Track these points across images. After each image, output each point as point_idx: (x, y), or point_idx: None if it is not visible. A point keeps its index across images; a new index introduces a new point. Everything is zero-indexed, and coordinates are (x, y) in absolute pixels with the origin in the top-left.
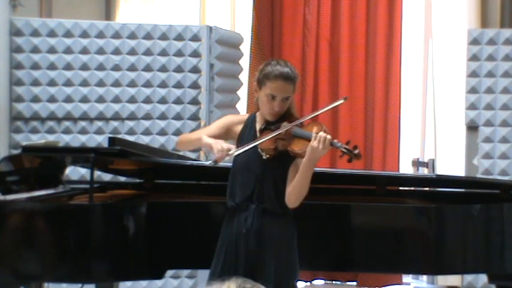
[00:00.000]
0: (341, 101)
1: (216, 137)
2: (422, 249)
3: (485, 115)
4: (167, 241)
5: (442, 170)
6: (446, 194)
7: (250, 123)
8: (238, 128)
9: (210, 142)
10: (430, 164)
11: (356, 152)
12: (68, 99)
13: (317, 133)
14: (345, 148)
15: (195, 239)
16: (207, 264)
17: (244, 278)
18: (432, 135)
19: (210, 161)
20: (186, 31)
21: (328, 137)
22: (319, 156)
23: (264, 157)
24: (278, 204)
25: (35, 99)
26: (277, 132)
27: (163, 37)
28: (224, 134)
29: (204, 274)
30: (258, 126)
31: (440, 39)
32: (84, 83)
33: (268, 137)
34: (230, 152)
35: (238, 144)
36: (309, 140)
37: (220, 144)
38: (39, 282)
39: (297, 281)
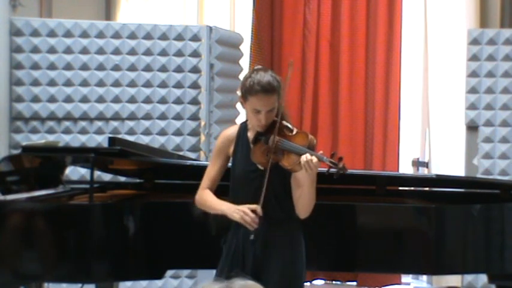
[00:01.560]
0: (290, 71)
1: (222, 169)
2: (422, 249)
3: (485, 115)
4: (167, 241)
5: (442, 170)
6: (446, 194)
7: (241, 135)
8: (231, 148)
9: (237, 217)
10: (429, 164)
11: (341, 165)
12: (68, 99)
13: (303, 145)
14: (330, 162)
15: (194, 239)
16: (207, 264)
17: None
18: (432, 135)
19: (252, 236)
20: (186, 31)
21: (314, 160)
22: (315, 173)
23: (261, 168)
24: (281, 212)
25: (35, 99)
26: (270, 160)
27: (163, 37)
28: (225, 160)
29: (204, 274)
30: (250, 135)
31: (440, 40)
32: (84, 83)
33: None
34: (258, 212)
35: (233, 162)
36: (297, 154)
37: (247, 216)
38: (39, 282)
39: (303, 283)
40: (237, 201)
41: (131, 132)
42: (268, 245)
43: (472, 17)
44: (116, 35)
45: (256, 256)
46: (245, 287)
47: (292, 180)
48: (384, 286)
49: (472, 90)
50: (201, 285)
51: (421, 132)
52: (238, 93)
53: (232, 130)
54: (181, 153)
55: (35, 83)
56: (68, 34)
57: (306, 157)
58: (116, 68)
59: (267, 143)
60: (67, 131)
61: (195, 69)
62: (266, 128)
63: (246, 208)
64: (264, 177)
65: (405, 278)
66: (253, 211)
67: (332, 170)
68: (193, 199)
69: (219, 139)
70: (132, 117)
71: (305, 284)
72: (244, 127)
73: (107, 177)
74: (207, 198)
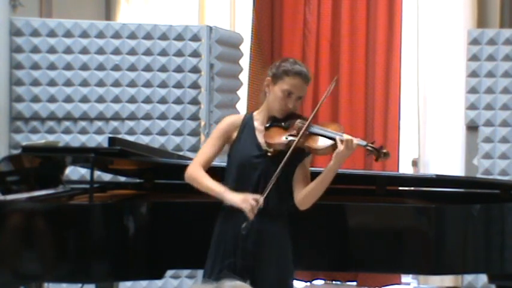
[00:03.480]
0: (333, 84)
1: (218, 151)
2: (422, 249)
3: (485, 115)
4: (167, 241)
5: (442, 170)
6: (446, 194)
7: (247, 124)
8: (235, 134)
9: (237, 202)
10: (418, 163)
11: (384, 151)
12: (68, 99)
13: (338, 132)
14: (371, 147)
15: (195, 239)
16: None
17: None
18: (431, 136)
19: (244, 224)
20: (186, 31)
21: (355, 140)
22: (346, 159)
23: (270, 153)
24: (279, 203)
25: (35, 99)
26: (300, 136)
27: (163, 37)
28: (223, 143)
29: None
30: (257, 124)
31: (438, 40)
32: (84, 83)
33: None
34: (260, 202)
35: (234, 147)
36: (329, 138)
37: (249, 203)
38: (39, 282)
39: (293, 279)
40: (234, 184)
41: (131, 132)
42: (262, 239)
43: (470, 17)
44: (116, 35)
45: (249, 251)
46: None
47: (298, 170)
48: (383, 286)
49: (472, 90)
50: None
51: (420, 132)
52: (270, 73)
53: (237, 117)
54: (181, 153)
55: (35, 83)
56: (68, 34)
57: (346, 136)
58: (116, 68)
59: (289, 127)
60: (67, 131)
61: (195, 69)
62: (285, 116)
63: (250, 196)
64: (283, 157)
65: (405, 278)
66: (256, 200)
67: (370, 149)
68: (193, 197)
69: (224, 123)
70: (132, 117)
71: (305, 284)
72: (250, 116)
73: (107, 177)
74: (203, 177)
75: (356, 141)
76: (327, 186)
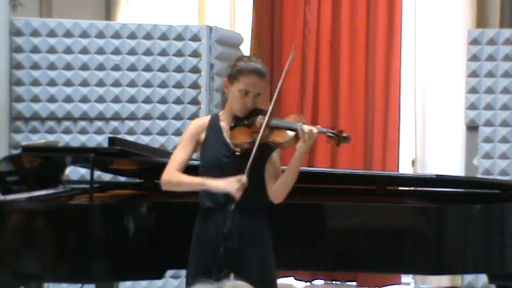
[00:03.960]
0: (291, 56)
1: (191, 154)
2: (422, 249)
3: (485, 115)
4: (167, 241)
5: (442, 170)
6: (446, 194)
7: (213, 123)
8: (203, 135)
9: (222, 187)
10: (426, 164)
11: (344, 134)
12: (68, 99)
13: (299, 122)
14: (332, 133)
15: None
16: None
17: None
18: (432, 136)
19: (232, 206)
20: (186, 31)
21: (314, 130)
22: (309, 148)
23: (238, 153)
24: (256, 200)
25: (35, 99)
26: (262, 132)
27: (163, 37)
28: (195, 147)
29: None
30: (223, 124)
31: (439, 40)
32: (84, 83)
33: (259, 137)
34: (244, 182)
35: (203, 149)
36: (291, 129)
37: (233, 185)
38: (39, 282)
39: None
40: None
41: (131, 132)
42: (244, 237)
43: (470, 17)
44: (116, 35)
45: (231, 250)
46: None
47: (268, 166)
48: (383, 286)
49: (472, 90)
50: None
51: (420, 132)
52: (226, 73)
53: (204, 119)
54: None
55: (35, 83)
56: (68, 34)
57: (306, 128)
58: (116, 68)
59: (252, 125)
60: (67, 131)
61: (195, 69)
62: (246, 114)
63: (232, 178)
64: (251, 153)
65: (405, 278)
66: (239, 180)
67: (331, 136)
68: (193, 197)
69: (192, 125)
70: (132, 117)
71: (305, 284)
72: (216, 117)
73: (107, 177)
74: (179, 176)
75: (316, 130)
76: (296, 177)
